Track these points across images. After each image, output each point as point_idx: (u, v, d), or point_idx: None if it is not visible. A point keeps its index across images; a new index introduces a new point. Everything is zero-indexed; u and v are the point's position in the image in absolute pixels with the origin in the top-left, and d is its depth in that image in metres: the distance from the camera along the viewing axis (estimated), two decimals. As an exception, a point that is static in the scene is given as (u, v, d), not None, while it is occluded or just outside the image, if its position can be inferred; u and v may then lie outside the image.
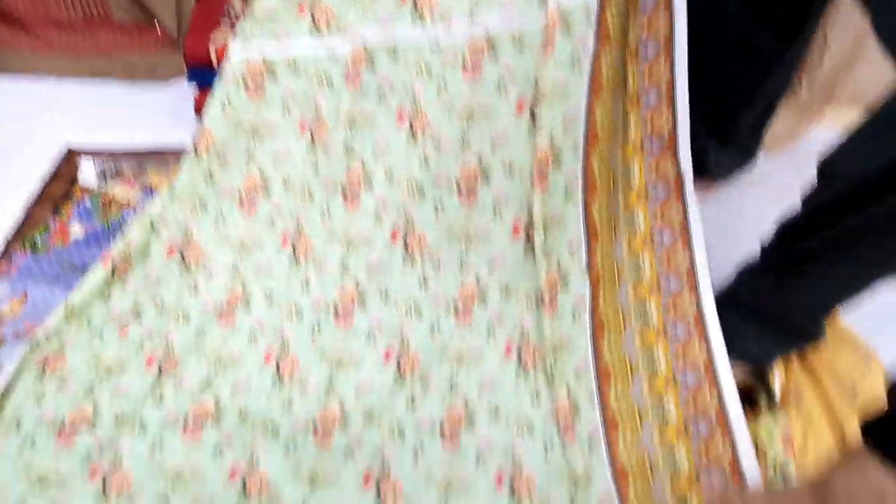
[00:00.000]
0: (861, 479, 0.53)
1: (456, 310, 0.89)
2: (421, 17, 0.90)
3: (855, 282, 0.78)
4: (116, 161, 1.13)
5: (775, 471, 0.83)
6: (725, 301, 0.91)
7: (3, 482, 0.71)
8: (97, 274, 0.86)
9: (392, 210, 0.92)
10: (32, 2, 1.31)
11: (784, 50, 0.95)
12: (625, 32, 0.86)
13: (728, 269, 0.93)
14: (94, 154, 1.15)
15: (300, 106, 0.93)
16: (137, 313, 0.86)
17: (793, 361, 0.95)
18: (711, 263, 0.95)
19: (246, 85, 0.93)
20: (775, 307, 0.87)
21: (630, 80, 0.87)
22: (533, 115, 0.89)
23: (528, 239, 0.90)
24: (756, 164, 1.19)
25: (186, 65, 1.17)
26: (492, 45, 0.88)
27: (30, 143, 1.19)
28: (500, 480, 0.76)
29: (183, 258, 0.90)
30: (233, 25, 1.14)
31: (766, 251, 0.88)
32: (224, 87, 0.93)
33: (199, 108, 1.20)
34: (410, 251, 0.92)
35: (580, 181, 0.90)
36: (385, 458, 0.76)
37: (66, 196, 1.09)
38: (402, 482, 0.75)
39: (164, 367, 0.82)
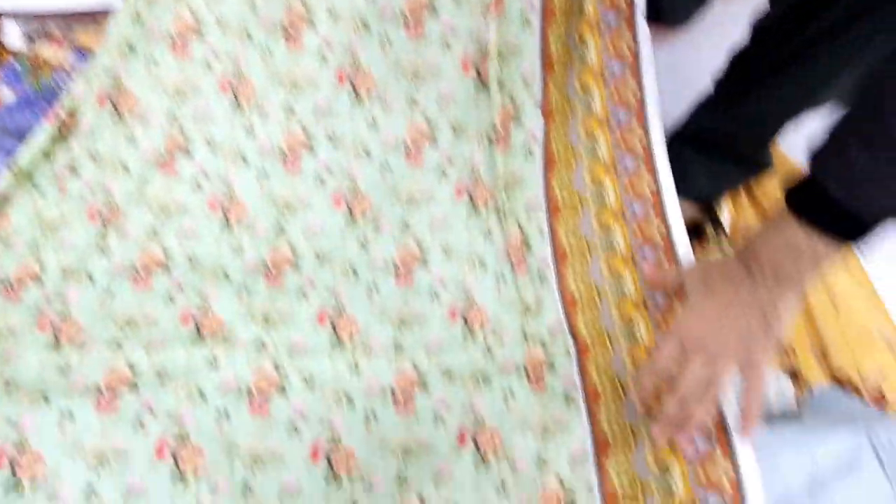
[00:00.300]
0: (780, 239, 0.58)
1: (406, 150, 0.88)
2: None
3: (799, 102, 0.79)
4: (43, 22, 1.07)
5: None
6: (678, 137, 0.91)
7: None
8: (43, 133, 0.83)
9: (337, 49, 0.89)
10: None
11: None
12: None
13: (682, 112, 0.93)
14: (18, 16, 1.08)
15: None
16: (74, 168, 0.83)
17: (741, 196, 0.97)
18: (665, 108, 0.95)
19: None
20: (725, 137, 0.88)
21: None
22: None
23: (479, 74, 0.89)
24: (711, 7, 1.16)
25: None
26: None
27: (-54, 9, 1.11)
28: (453, 314, 0.78)
29: (115, 107, 0.86)
30: None
31: (717, 83, 0.88)
32: None
33: (127, -35, 1.13)
34: (357, 91, 0.89)
35: (538, 8, 0.87)
36: (339, 296, 0.77)
37: (-8, 60, 1.03)
38: (358, 318, 0.76)
39: (107, 220, 0.80)
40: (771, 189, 0.98)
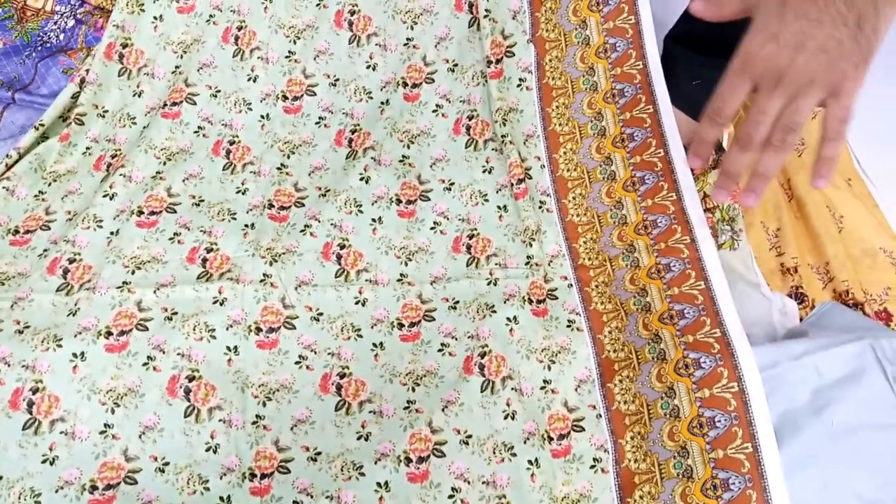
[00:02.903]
0: None
1: (405, 85, 0.87)
2: None
3: None
4: (25, -32, 1.04)
5: (722, 217, 0.86)
6: (670, 38, 0.90)
7: None
8: (67, 92, 0.85)
9: None
10: None
11: None
12: None
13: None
14: (-1, -37, 1.05)
15: None
16: (81, 121, 0.83)
17: (739, 117, 0.96)
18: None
19: None
20: (718, 30, 0.86)
21: None
22: None
23: (472, 11, 0.87)
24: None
25: None
26: None
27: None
28: (457, 244, 0.78)
29: (122, 61, 0.87)
30: None
31: None
32: None
33: None
34: (356, 32, 0.88)
35: None
36: (343, 229, 0.77)
37: (-24, 10, 1.01)
38: (363, 251, 0.77)
39: (112, 166, 0.81)
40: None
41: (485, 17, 0.86)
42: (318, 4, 0.90)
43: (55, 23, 0.99)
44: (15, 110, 0.90)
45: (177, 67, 0.88)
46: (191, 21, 0.89)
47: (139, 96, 0.86)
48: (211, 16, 0.89)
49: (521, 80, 0.85)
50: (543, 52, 0.86)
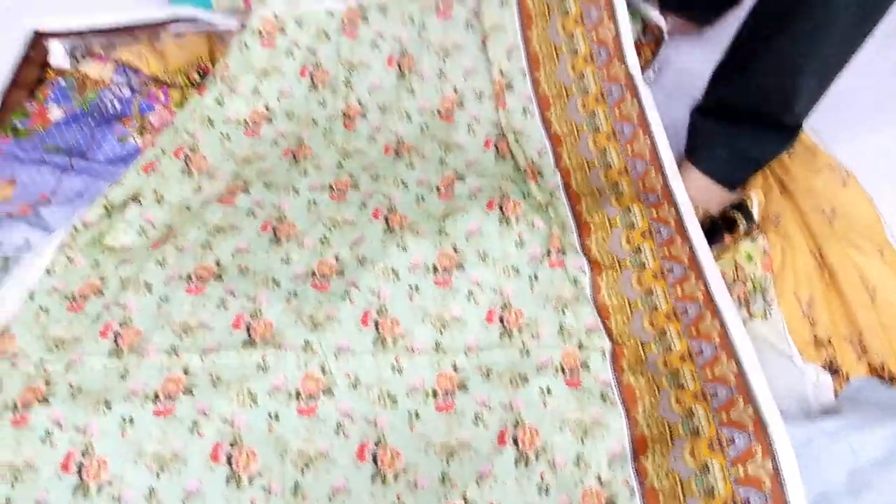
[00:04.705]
0: None
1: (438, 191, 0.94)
2: None
3: (805, 58, 0.79)
4: (86, 40, 1.11)
5: (754, 287, 0.87)
6: (698, 110, 0.93)
7: (23, 346, 0.75)
8: (133, 176, 0.92)
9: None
10: None
11: None
12: None
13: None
14: (62, 35, 1.12)
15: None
16: (140, 202, 0.90)
17: (772, 188, 0.97)
18: (689, 101, 0.96)
19: (261, 34, 1.04)
20: (743, 101, 0.88)
21: None
22: None
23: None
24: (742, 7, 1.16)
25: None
26: None
27: (-5, 31, 1.16)
28: (490, 315, 0.80)
29: (187, 163, 0.95)
30: None
31: (730, 47, 0.89)
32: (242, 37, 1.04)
33: (162, -19, 1.16)
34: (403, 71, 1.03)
35: None
36: (381, 296, 0.80)
37: (41, 79, 1.08)
38: (399, 318, 0.79)
39: (165, 238, 0.86)
40: (800, 177, 0.98)
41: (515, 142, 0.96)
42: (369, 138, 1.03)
43: (112, 92, 1.05)
44: (72, 176, 0.96)
45: (237, 175, 0.95)
46: (256, 143, 0.98)
47: (198, 191, 0.93)
48: (276, 142, 0.99)
49: (551, 193, 0.91)
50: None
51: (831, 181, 0.98)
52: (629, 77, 0.94)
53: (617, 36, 0.95)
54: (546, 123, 0.96)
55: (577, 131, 0.94)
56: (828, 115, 0.92)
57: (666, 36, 1.10)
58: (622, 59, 0.95)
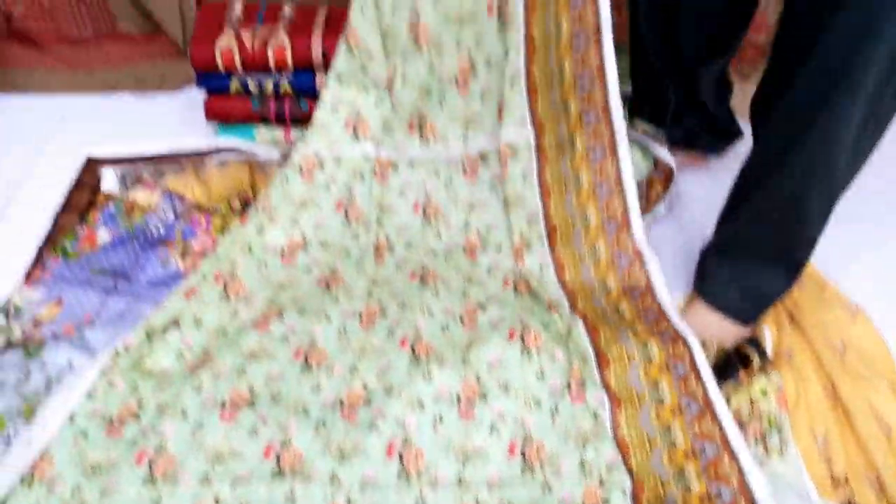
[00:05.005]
0: None
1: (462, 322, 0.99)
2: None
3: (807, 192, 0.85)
4: (136, 167, 1.19)
5: (770, 424, 0.89)
6: (707, 251, 0.98)
7: (61, 471, 0.78)
8: (175, 300, 0.98)
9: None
10: (44, 20, 1.37)
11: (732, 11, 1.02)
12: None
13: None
14: (114, 162, 1.21)
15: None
16: (177, 324, 0.94)
17: (784, 325, 1.01)
18: (700, 235, 1.01)
19: (301, 170, 1.12)
20: (746, 240, 0.94)
21: None
22: None
23: None
24: (744, 137, 1.24)
25: (194, 70, 1.23)
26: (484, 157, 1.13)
27: (52, 157, 1.25)
28: (512, 448, 0.82)
29: (226, 289, 1.01)
30: (234, 30, 1.20)
31: (731, 191, 0.95)
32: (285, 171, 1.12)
33: (208, 113, 1.26)
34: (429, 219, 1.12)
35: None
36: (406, 427, 0.83)
37: (91, 203, 1.15)
38: (423, 449, 0.81)
39: (201, 363, 0.90)
40: (810, 312, 1.02)
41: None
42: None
43: (157, 217, 1.12)
44: (116, 298, 1.01)
45: (272, 300, 1.00)
46: (291, 270, 1.04)
47: (235, 316, 0.98)
48: (310, 269, 1.06)
49: (570, 325, 0.96)
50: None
51: (841, 316, 1.02)
52: (637, 251, 1.01)
53: (625, 212, 1.03)
54: (562, 281, 1.03)
55: (590, 291, 1.01)
56: (830, 242, 0.95)
57: (676, 172, 1.17)
58: (630, 231, 1.03)
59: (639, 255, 1.01)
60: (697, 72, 1.09)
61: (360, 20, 1.03)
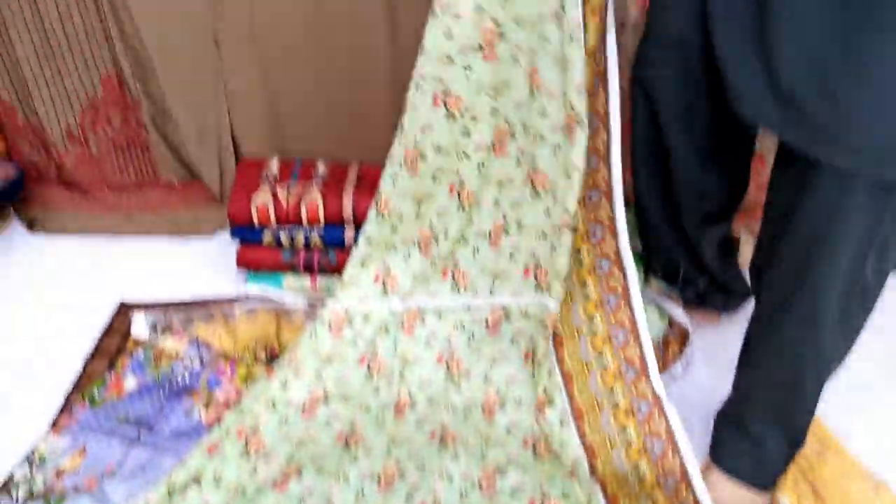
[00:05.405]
0: None
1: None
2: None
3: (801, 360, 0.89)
4: (166, 313, 1.23)
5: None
6: (721, 415, 0.99)
7: None
8: (196, 454, 0.99)
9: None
10: (91, 168, 1.46)
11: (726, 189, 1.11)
12: None
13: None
14: (146, 307, 1.25)
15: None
16: (198, 482, 0.97)
17: (806, 495, 1.00)
18: (717, 395, 1.03)
19: (329, 325, 1.14)
20: (758, 390, 0.96)
21: None
22: None
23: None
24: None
25: (230, 223, 1.30)
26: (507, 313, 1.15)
27: (85, 299, 1.30)
28: None
29: (247, 446, 1.03)
30: (270, 187, 1.28)
31: (742, 346, 0.97)
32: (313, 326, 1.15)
33: (240, 261, 1.32)
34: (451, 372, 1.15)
35: None
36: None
37: (121, 349, 1.19)
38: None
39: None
40: (832, 482, 1.01)
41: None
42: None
43: (184, 364, 1.15)
44: (139, 449, 1.02)
45: (292, 457, 1.02)
46: (310, 424, 1.07)
47: (254, 473, 0.99)
48: (329, 423, 1.08)
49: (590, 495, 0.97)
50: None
51: (864, 487, 1.01)
52: (656, 396, 1.04)
53: (643, 357, 1.07)
54: (581, 435, 1.05)
55: (611, 443, 1.02)
56: (842, 402, 0.98)
57: (691, 333, 1.20)
58: (647, 377, 1.06)
59: (658, 401, 1.03)
60: (699, 239, 1.14)
61: (390, 189, 1.10)
